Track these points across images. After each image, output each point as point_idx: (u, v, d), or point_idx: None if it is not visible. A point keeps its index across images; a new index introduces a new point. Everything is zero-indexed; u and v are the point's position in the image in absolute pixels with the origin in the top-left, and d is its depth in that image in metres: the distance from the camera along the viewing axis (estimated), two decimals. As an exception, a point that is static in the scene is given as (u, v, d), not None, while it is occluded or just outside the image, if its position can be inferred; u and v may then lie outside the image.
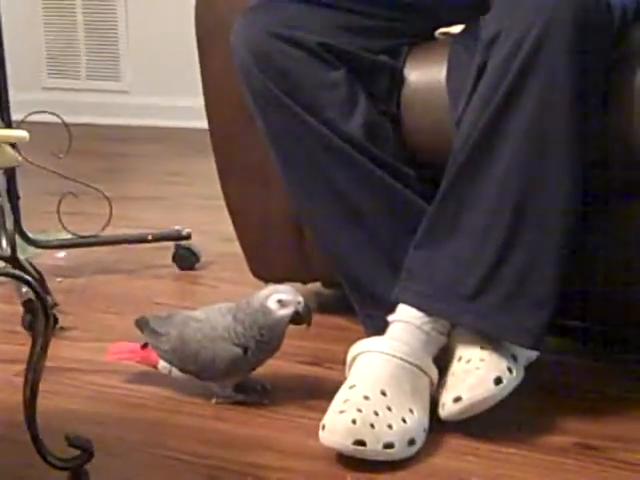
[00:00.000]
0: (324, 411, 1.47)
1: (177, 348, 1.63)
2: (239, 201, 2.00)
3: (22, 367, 1.30)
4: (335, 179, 1.68)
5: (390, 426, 1.43)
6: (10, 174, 2.23)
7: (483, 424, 1.49)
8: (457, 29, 1.72)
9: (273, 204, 1.93)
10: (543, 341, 1.50)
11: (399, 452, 1.43)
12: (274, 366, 1.66)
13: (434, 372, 1.52)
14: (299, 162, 1.71)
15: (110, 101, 4.30)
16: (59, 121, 2.16)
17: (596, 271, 1.63)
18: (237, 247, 2.03)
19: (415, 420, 1.46)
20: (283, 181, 1.76)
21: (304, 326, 1.59)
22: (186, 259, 2.36)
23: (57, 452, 1.32)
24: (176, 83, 4.06)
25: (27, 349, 1.29)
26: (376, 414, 1.43)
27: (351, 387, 1.48)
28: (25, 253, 2.29)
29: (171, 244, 2.38)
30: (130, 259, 2.42)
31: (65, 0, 4.37)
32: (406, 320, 1.54)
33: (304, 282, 2.01)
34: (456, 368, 1.51)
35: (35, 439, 1.29)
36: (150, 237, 2.39)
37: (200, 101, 1.98)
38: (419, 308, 1.54)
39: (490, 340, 1.50)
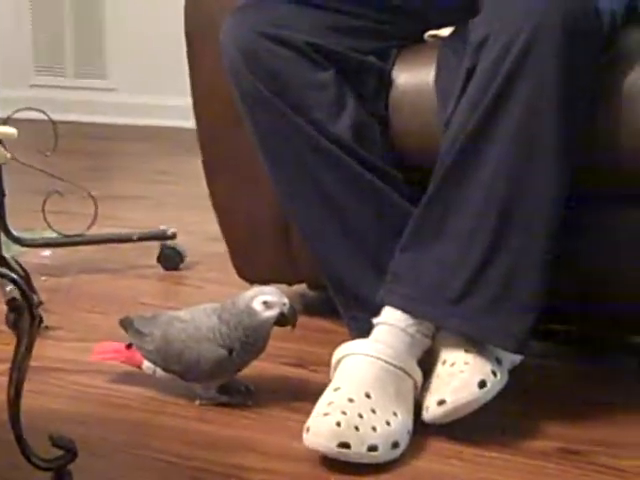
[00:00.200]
0: (308, 413, 1.46)
1: (161, 348, 1.62)
2: (226, 201, 1.99)
3: (6, 366, 1.29)
4: (322, 180, 1.68)
5: (374, 429, 1.43)
6: (-5, 171, 2.22)
7: (467, 427, 1.49)
8: (446, 32, 1.72)
9: (260, 204, 1.93)
10: (527, 345, 1.51)
11: (383, 455, 1.43)
12: (258, 367, 1.65)
13: (418, 375, 1.52)
14: (287, 162, 1.71)
15: (97, 99, 4.29)
16: (46, 118, 2.15)
17: (580, 276, 1.64)
18: (223, 247, 2.03)
19: (399, 423, 1.46)
20: (270, 181, 1.76)
21: (289, 328, 1.59)
22: (171, 259, 2.36)
23: (41, 452, 1.31)
24: (163, 82, 4.06)
25: (11, 348, 1.29)
26: (360, 417, 1.43)
27: (335, 389, 1.48)
28: (10, 251, 2.28)
29: (157, 244, 2.37)
30: (115, 258, 2.41)
31: (53, 1, 4.36)
32: (391, 323, 1.54)
33: (290, 283, 2.01)
34: (440, 371, 1.51)
35: (19, 439, 1.29)
36: (135, 237, 2.38)
37: (187, 100, 1.98)
38: (404, 311, 1.53)
39: (475, 343, 1.50)
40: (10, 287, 1.92)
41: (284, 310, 1.58)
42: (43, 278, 2.26)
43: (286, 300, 1.58)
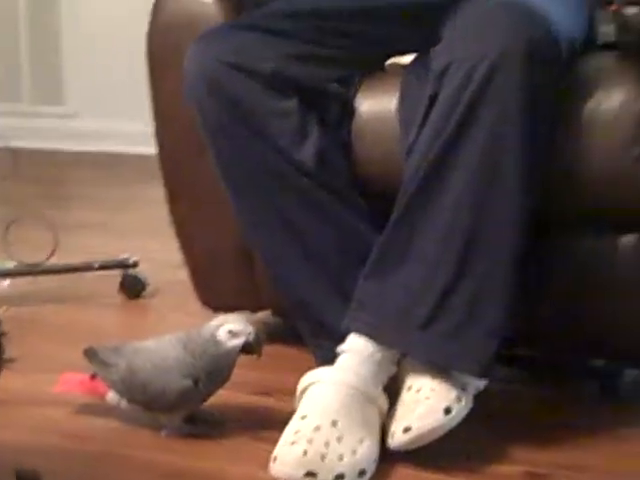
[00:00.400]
0: (275, 442, 1.47)
1: (126, 379, 1.61)
2: (188, 228, 1.99)
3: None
4: (285, 207, 1.68)
5: (341, 457, 1.43)
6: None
7: (432, 453, 1.49)
8: (408, 59, 1.74)
9: (222, 231, 1.93)
10: (492, 370, 1.52)
11: (350, 483, 1.43)
12: (224, 396, 1.64)
13: (384, 402, 1.52)
14: (250, 189, 1.71)
15: (55, 126, 4.27)
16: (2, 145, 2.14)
17: (544, 302, 1.65)
18: (186, 275, 2.02)
19: (366, 450, 1.46)
20: (233, 208, 1.76)
21: (254, 356, 1.59)
22: (133, 287, 2.35)
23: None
24: (123, 108, 4.04)
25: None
26: (327, 445, 1.43)
27: (302, 418, 1.48)
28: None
29: (118, 272, 2.36)
30: (77, 287, 2.39)
31: (8, 22, 4.33)
32: (356, 350, 1.54)
33: (253, 310, 2.00)
34: (406, 397, 1.51)
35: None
36: (97, 265, 2.37)
37: (148, 126, 1.97)
38: (369, 338, 1.54)
39: (440, 369, 1.51)
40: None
41: (249, 339, 1.57)
42: (3, 308, 2.23)
43: (251, 328, 1.58)
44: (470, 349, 1.49)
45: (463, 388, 1.51)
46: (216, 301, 2.00)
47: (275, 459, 1.44)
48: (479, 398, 1.54)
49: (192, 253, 2.00)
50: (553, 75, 1.51)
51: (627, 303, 1.63)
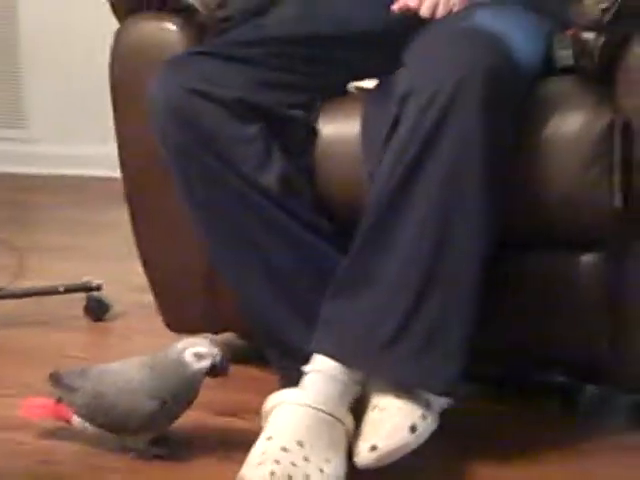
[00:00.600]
0: (241, 462, 1.47)
1: (91, 403, 1.61)
2: (151, 251, 1.99)
3: None
4: (249, 230, 1.69)
5: (308, 477, 1.44)
6: None
7: (399, 471, 1.50)
8: (370, 83, 1.76)
9: (185, 255, 1.93)
10: (455, 388, 1.53)
11: (317, 502, 1.44)
12: (190, 417, 1.65)
13: (350, 421, 1.53)
14: (213, 212, 1.71)
15: (16, 149, 4.25)
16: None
17: (505, 321, 1.67)
18: (150, 297, 2.02)
19: (332, 470, 1.47)
20: (197, 231, 1.77)
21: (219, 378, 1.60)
22: (97, 310, 2.35)
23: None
24: (85, 131, 4.04)
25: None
26: (294, 465, 1.44)
27: (268, 439, 1.49)
28: None
29: (82, 295, 2.36)
30: (41, 311, 2.38)
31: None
32: (321, 370, 1.55)
33: (216, 332, 2.01)
34: (372, 416, 1.53)
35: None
36: (61, 289, 2.36)
37: (111, 149, 1.97)
38: (334, 358, 1.55)
39: (404, 388, 1.52)
40: None
41: (215, 361, 1.58)
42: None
43: (217, 350, 1.59)
44: (433, 369, 1.51)
45: (428, 406, 1.52)
46: (180, 323, 2.01)
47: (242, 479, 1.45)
48: (444, 416, 1.56)
49: (156, 276, 2.00)
50: (513, 100, 1.54)
51: (586, 321, 1.66)
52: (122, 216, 2.02)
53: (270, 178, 1.67)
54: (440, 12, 1.66)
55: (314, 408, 1.51)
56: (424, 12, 1.66)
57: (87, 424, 1.63)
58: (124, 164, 1.96)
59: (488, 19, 1.59)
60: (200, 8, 1.88)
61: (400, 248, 1.52)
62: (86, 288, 2.37)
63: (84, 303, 2.35)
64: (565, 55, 1.68)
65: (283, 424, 1.51)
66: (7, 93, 4.26)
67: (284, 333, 1.70)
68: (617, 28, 1.58)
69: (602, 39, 1.58)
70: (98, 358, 1.96)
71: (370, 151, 1.62)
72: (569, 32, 1.66)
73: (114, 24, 1.94)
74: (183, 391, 1.58)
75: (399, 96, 1.53)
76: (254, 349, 1.88)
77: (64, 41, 4.04)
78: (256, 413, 1.58)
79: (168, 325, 2.02)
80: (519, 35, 1.60)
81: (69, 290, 2.37)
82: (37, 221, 3.61)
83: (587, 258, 1.63)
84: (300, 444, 1.48)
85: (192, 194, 1.72)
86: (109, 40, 1.93)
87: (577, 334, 1.66)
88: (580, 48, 1.62)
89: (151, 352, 1.65)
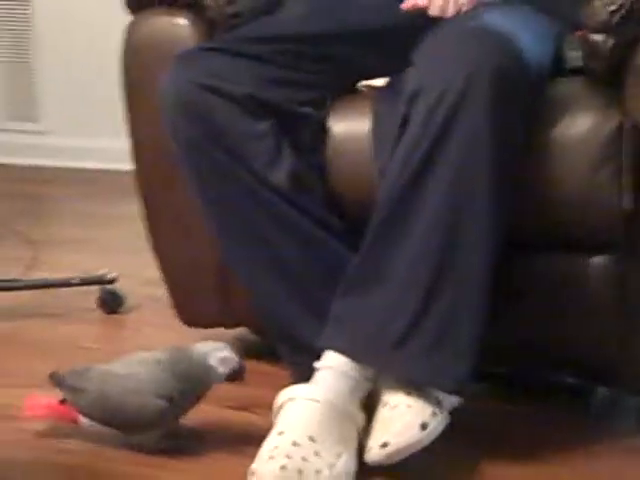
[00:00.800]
0: (253, 457, 1.49)
1: (96, 404, 1.62)
2: (165, 246, 2.01)
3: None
4: (261, 228, 1.70)
5: (319, 471, 1.46)
6: None
7: (409, 468, 1.52)
8: (380, 82, 1.77)
9: (198, 249, 1.94)
10: (466, 387, 1.55)
11: (328, 497, 1.46)
12: (202, 411, 1.67)
13: (361, 417, 1.55)
14: (225, 210, 1.73)
15: (30, 142, 4.26)
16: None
17: (515, 320, 1.68)
18: (163, 290, 2.04)
19: (343, 465, 1.49)
20: (209, 226, 1.78)
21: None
22: (111, 303, 2.37)
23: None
24: (98, 124, 4.05)
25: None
26: (305, 460, 1.46)
27: (280, 434, 1.51)
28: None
29: (96, 288, 2.38)
30: (55, 303, 2.40)
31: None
32: (333, 366, 1.57)
33: (229, 327, 2.03)
34: (382, 413, 1.54)
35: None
36: (75, 281, 2.38)
37: (122, 142, 1.98)
38: (345, 355, 1.57)
39: (416, 385, 1.54)
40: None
41: (237, 367, 1.62)
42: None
43: (238, 357, 1.63)
44: (443, 367, 1.52)
45: (438, 404, 1.54)
46: (193, 318, 2.02)
47: (253, 474, 1.46)
48: (455, 414, 1.57)
49: (169, 271, 2.02)
50: (522, 100, 1.55)
51: (597, 322, 1.67)
52: (135, 209, 2.03)
53: (281, 175, 1.68)
54: (450, 12, 1.67)
55: (325, 404, 1.53)
56: (433, 11, 1.68)
57: (94, 423, 1.63)
58: (136, 159, 1.97)
59: (497, 19, 1.60)
60: (210, 3, 1.89)
61: (410, 245, 1.53)
62: (101, 281, 2.38)
63: (98, 295, 2.37)
64: (575, 56, 1.69)
65: (295, 419, 1.53)
66: (20, 86, 4.28)
67: (295, 329, 1.72)
68: (626, 30, 1.59)
69: (611, 41, 1.59)
70: (111, 350, 1.98)
71: (381, 149, 1.63)
72: (578, 33, 1.66)
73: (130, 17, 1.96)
74: (191, 388, 1.60)
75: (408, 95, 1.55)
76: (267, 344, 1.89)
77: (78, 33, 4.05)
78: (268, 408, 1.60)
79: (181, 319, 2.03)
80: (528, 35, 1.60)
81: (84, 282, 2.38)
82: (50, 213, 3.62)
83: (597, 260, 1.64)
84: (311, 439, 1.49)
85: (203, 190, 1.74)
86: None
87: (587, 335, 1.67)
88: (589, 50, 1.63)
89: (163, 345, 1.67)
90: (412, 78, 1.58)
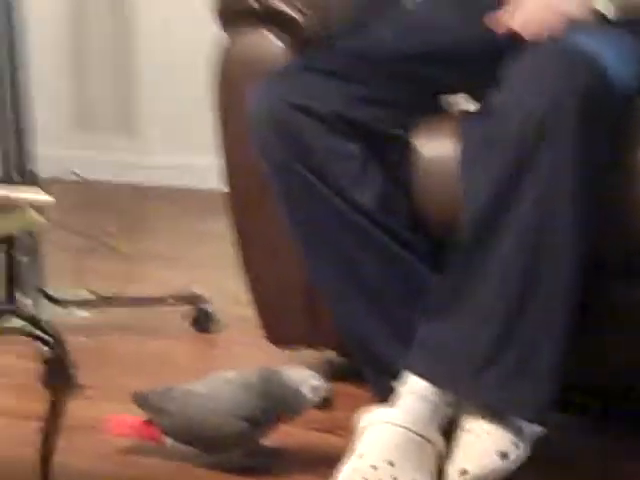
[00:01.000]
0: (332, 479, 1.49)
1: (179, 425, 1.64)
2: (254, 266, 2.01)
3: (36, 424, 1.31)
4: (346, 248, 1.71)
5: (396, 496, 1.46)
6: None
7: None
8: (468, 105, 1.76)
9: (289, 271, 1.95)
10: (547, 416, 1.53)
11: (404, 521, 1.45)
12: (287, 433, 1.67)
13: (440, 442, 1.54)
14: (312, 230, 1.74)
15: (128, 159, 4.32)
16: (76, 178, 2.17)
17: (601, 349, 1.66)
18: (253, 310, 2.05)
19: (420, 491, 1.49)
20: (297, 248, 1.79)
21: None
22: (204, 322, 2.38)
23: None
24: (195, 143, 4.09)
25: (41, 405, 1.30)
26: (382, 484, 1.46)
27: (360, 456, 1.51)
28: (44, 311, 2.31)
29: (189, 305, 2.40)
30: (148, 319, 2.42)
31: (85, 54, 4.38)
32: (414, 391, 1.56)
33: (317, 349, 2.03)
34: (462, 439, 1.53)
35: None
36: (169, 299, 2.40)
37: (217, 162, 2.00)
38: (426, 379, 1.56)
39: (496, 413, 1.52)
40: (45, 348, 1.94)
41: (327, 396, 1.63)
42: (82, 338, 2.27)
43: (329, 386, 1.64)
44: (524, 395, 1.51)
45: (520, 433, 1.52)
46: (281, 338, 2.02)
47: (331, 496, 1.47)
48: (537, 444, 1.54)
49: (259, 291, 2.02)
50: (607, 119, 1.54)
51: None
52: (224, 227, 2.03)
53: (367, 195, 1.68)
54: (543, 37, 1.65)
55: (406, 428, 1.52)
56: (528, 36, 1.66)
57: (177, 443, 1.65)
58: (229, 179, 1.98)
59: (581, 38, 1.58)
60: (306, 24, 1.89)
61: (493, 269, 1.52)
62: (193, 299, 2.40)
63: (193, 314, 2.38)
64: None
65: (375, 443, 1.53)
66: (121, 103, 4.34)
67: (374, 345, 1.71)
68: None
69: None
70: (200, 368, 1.99)
71: (467, 170, 1.62)
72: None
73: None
74: (272, 407, 1.61)
75: (496, 114, 1.54)
76: (353, 367, 1.88)
77: (178, 49, 4.09)
78: (351, 430, 1.60)
79: (270, 339, 2.04)
80: (613, 54, 1.58)
81: (177, 301, 2.41)
82: (147, 230, 3.67)
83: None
84: (390, 463, 1.49)
85: (291, 209, 1.75)
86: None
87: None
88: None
89: (252, 364, 1.68)
90: (498, 99, 1.57)
